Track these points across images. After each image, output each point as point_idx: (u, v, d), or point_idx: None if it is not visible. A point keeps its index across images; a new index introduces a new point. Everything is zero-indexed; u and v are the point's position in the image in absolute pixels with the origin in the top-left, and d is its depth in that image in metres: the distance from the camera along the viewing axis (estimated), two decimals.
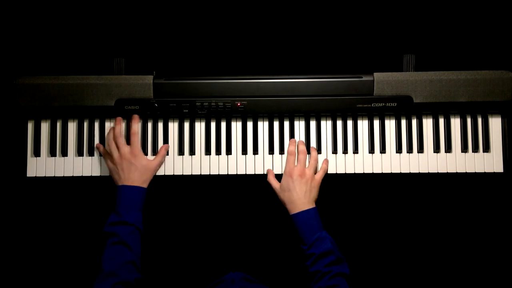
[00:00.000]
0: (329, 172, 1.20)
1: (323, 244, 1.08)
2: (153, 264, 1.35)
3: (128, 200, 1.10)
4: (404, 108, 1.19)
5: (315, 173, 1.17)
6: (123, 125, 1.19)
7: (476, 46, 1.34)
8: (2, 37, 1.34)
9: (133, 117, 1.18)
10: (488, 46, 1.34)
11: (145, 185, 1.14)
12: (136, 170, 1.13)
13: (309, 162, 1.18)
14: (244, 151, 1.20)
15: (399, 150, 1.21)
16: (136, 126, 1.18)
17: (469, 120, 1.21)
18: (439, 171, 1.20)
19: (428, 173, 1.20)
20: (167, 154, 1.20)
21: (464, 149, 1.20)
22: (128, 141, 1.17)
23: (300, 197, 1.13)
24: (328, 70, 1.33)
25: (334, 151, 1.21)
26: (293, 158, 1.18)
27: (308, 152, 1.20)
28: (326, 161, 1.20)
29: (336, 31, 1.35)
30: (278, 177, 1.19)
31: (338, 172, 1.20)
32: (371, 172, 1.20)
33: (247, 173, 1.20)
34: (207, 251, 1.34)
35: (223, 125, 1.22)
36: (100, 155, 1.20)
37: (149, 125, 1.21)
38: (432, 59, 1.33)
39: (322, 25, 1.35)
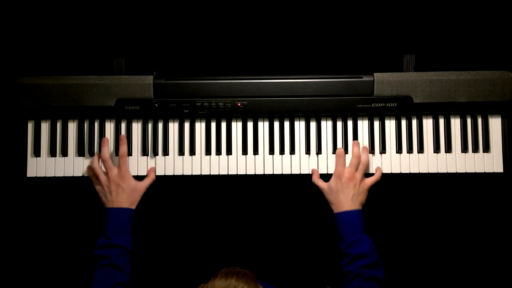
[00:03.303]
0: (328, 172, 1.20)
1: (361, 247, 1.08)
2: (154, 264, 1.35)
3: (116, 223, 1.11)
4: (404, 108, 1.19)
5: (365, 177, 1.16)
6: (109, 147, 1.18)
7: (476, 46, 1.34)
8: (2, 37, 1.33)
9: (121, 138, 1.18)
10: (488, 46, 1.34)
11: (133, 207, 1.14)
12: (124, 192, 1.13)
13: (359, 165, 1.17)
14: (244, 151, 1.20)
15: (399, 150, 1.21)
16: (124, 148, 1.17)
17: (469, 120, 1.21)
18: (439, 171, 1.20)
19: (428, 173, 1.20)
20: (168, 155, 1.20)
21: (464, 149, 1.21)
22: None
23: (347, 199, 1.13)
24: (328, 70, 1.33)
25: (334, 151, 1.20)
26: (342, 160, 1.17)
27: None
28: (379, 169, 1.19)
29: (336, 31, 1.35)
30: (278, 177, 1.20)
31: None
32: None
33: (247, 173, 1.20)
34: (208, 251, 1.35)
35: (223, 125, 1.22)
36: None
37: (149, 125, 1.21)
38: (432, 59, 1.33)
39: (322, 25, 1.35)
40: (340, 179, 1.15)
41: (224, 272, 0.93)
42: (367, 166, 1.18)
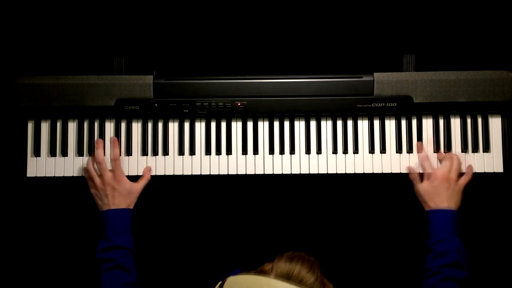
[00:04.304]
0: (329, 172, 1.20)
1: (446, 245, 1.07)
2: (155, 264, 1.35)
3: (116, 224, 1.10)
4: (404, 108, 1.19)
5: (459, 177, 1.15)
6: (102, 150, 1.17)
7: (476, 46, 1.34)
8: (2, 37, 1.34)
9: (112, 140, 1.17)
10: (488, 46, 1.34)
11: (130, 208, 1.14)
12: (120, 195, 1.13)
13: (452, 166, 1.15)
14: (244, 151, 1.20)
15: (399, 150, 1.21)
16: (117, 150, 1.17)
17: (469, 120, 1.21)
18: None
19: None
20: (167, 154, 1.20)
21: (464, 149, 1.21)
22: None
23: (441, 201, 1.11)
24: (328, 70, 1.33)
25: (334, 151, 1.21)
26: (428, 163, 1.17)
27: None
28: (470, 167, 1.17)
29: (336, 31, 1.35)
30: (276, 177, 1.20)
31: (338, 172, 1.20)
32: (371, 172, 1.20)
33: (247, 173, 1.20)
34: (208, 251, 1.34)
35: (223, 125, 1.22)
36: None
37: (149, 125, 1.21)
38: (432, 59, 1.33)
39: (322, 25, 1.36)
40: (432, 181, 1.13)
41: (289, 255, 0.89)
42: (461, 166, 1.16)
